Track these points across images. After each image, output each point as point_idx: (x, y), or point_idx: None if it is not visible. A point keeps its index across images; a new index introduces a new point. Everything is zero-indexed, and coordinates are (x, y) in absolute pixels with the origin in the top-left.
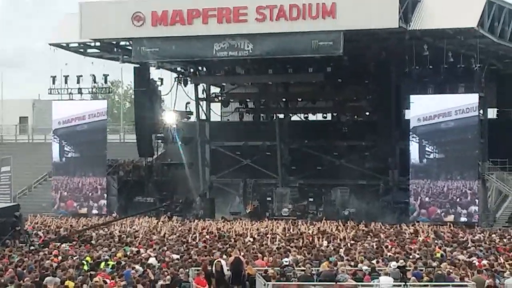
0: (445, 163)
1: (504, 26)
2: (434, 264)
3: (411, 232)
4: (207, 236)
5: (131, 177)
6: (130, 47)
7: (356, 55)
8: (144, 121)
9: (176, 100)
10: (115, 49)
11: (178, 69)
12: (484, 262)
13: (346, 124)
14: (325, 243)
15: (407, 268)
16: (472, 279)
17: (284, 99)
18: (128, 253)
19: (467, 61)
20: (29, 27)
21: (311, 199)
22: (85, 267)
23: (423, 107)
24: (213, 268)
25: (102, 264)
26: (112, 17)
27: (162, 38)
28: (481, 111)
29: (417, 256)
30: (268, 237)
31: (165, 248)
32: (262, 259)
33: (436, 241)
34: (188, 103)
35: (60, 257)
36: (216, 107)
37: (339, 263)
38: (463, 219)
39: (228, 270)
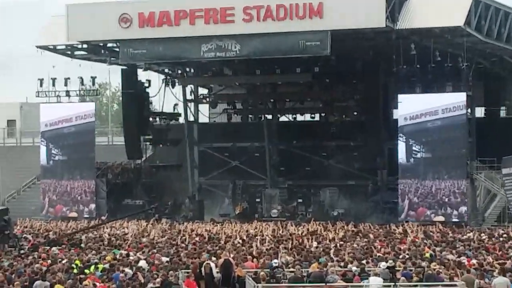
0: (432, 162)
1: (491, 25)
2: (424, 264)
3: (400, 232)
4: (197, 238)
5: (119, 180)
6: (117, 49)
7: (343, 55)
8: (132, 123)
9: (164, 102)
10: (102, 51)
11: (166, 70)
12: (474, 261)
13: (334, 124)
14: (314, 244)
15: (397, 268)
16: (462, 278)
17: (272, 100)
18: (117, 256)
19: (455, 60)
20: (16, 29)
21: (300, 200)
22: (75, 271)
23: (410, 106)
24: (203, 270)
25: (92, 267)
26: (99, 19)
27: (149, 39)
28: (469, 110)
29: (407, 256)
30: (257, 239)
31: (154, 250)
32: (252, 261)
33: (425, 241)
34: (176, 104)
35: (49, 261)
36: (204, 108)
37: (328, 264)
38: (452, 219)
39: (217, 272)
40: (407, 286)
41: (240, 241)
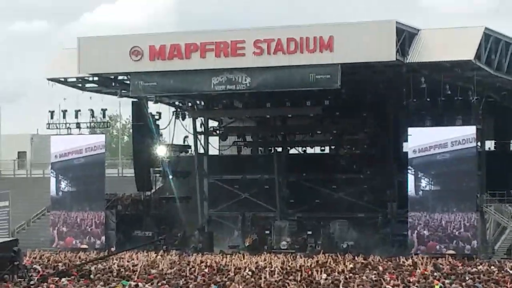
0: (441, 195)
1: (501, 59)
2: None
3: (409, 265)
4: (206, 270)
5: (129, 211)
6: (128, 82)
7: (353, 88)
8: (142, 155)
9: (174, 134)
10: (113, 84)
11: (176, 103)
12: None
13: (344, 157)
14: (324, 276)
15: None
16: None
17: (282, 133)
18: (126, 287)
19: (465, 94)
20: (27, 61)
21: (309, 232)
22: None
23: (420, 139)
24: None
25: None
26: (110, 52)
27: (160, 72)
28: (479, 143)
29: None
30: (266, 271)
31: (163, 281)
32: None
33: (434, 274)
34: (186, 137)
35: None
36: (214, 140)
37: None
38: (462, 252)
39: None
40: None
41: (250, 272)
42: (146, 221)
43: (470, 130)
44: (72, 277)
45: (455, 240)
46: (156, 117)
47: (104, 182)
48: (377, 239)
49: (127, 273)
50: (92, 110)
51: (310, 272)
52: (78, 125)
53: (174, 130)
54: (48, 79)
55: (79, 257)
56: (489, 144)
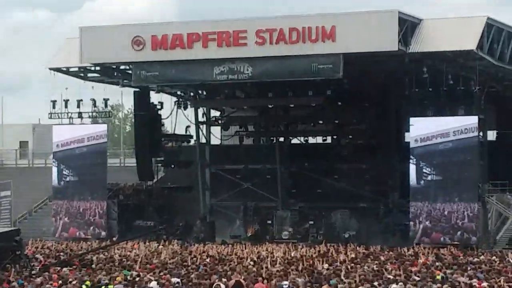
0: (443, 185)
1: (504, 48)
2: (435, 286)
3: (411, 255)
4: (208, 260)
5: (131, 201)
6: (130, 71)
7: (356, 78)
8: (144, 145)
9: (176, 124)
10: (115, 73)
11: (178, 93)
12: (485, 284)
13: (346, 147)
14: (325, 266)
15: None
16: None
17: (284, 123)
18: (128, 277)
19: (467, 84)
20: (29, 51)
21: (311, 222)
22: None
23: (422, 129)
24: None
25: None
26: (112, 41)
27: (162, 62)
28: (481, 133)
29: (417, 278)
30: (268, 260)
31: (165, 271)
32: (262, 282)
33: (436, 263)
34: (188, 126)
35: (60, 282)
36: (216, 130)
37: (339, 286)
38: (468, 243)
39: None
40: None
41: (251, 262)
42: (148, 210)
43: (472, 120)
44: (74, 266)
45: (459, 232)
46: (158, 106)
47: (106, 172)
48: (379, 229)
49: (128, 262)
50: (94, 100)
51: (311, 262)
52: (80, 115)
53: (176, 120)
54: (50, 69)
55: (81, 247)
56: (491, 134)
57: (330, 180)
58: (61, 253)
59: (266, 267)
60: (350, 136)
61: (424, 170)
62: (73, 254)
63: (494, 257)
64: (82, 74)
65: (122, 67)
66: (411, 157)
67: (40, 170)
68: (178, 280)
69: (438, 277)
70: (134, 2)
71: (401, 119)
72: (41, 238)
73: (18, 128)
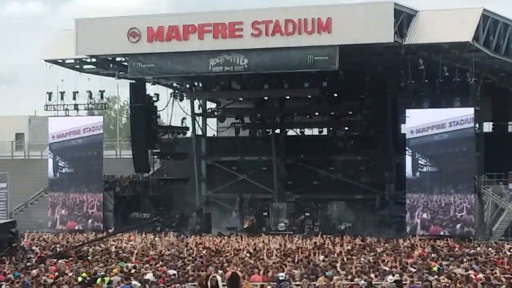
0: (439, 176)
1: (499, 40)
2: (431, 278)
3: (407, 246)
4: (204, 252)
5: (127, 193)
6: (126, 63)
7: (352, 70)
8: (140, 137)
9: (172, 116)
10: (111, 65)
11: (174, 84)
12: (481, 275)
13: (342, 138)
14: (321, 257)
15: (404, 282)
16: None
17: (280, 114)
18: (124, 268)
19: (463, 75)
20: (25, 43)
21: (307, 214)
22: (81, 283)
23: (418, 120)
24: (209, 283)
25: (99, 280)
26: (108, 33)
27: (158, 54)
28: (477, 125)
29: (414, 270)
30: (264, 252)
31: (162, 263)
32: (258, 274)
33: (432, 255)
34: (184, 118)
35: (56, 273)
36: (212, 122)
37: (335, 277)
38: (467, 235)
39: (224, 285)
40: None
41: (248, 254)
42: (144, 202)
43: (468, 112)
44: (70, 258)
45: (458, 224)
46: (154, 98)
47: (102, 164)
48: (375, 221)
49: (125, 254)
50: (90, 92)
51: (307, 254)
52: (76, 107)
53: (172, 112)
54: (46, 61)
55: (77, 239)
56: (487, 126)
57: (326, 172)
58: (57, 245)
59: (262, 259)
60: (346, 128)
61: (420, 162)
62: (70, 246)
63: (490, 249)
64: (78, 66)
65: (118, 59)
66: (407, 148)
67: (36, 162)
68: (175, 271)
69: (435, 269)
70: None
71: (397, 111)
72: (37, 230)
73: (14, 120)
